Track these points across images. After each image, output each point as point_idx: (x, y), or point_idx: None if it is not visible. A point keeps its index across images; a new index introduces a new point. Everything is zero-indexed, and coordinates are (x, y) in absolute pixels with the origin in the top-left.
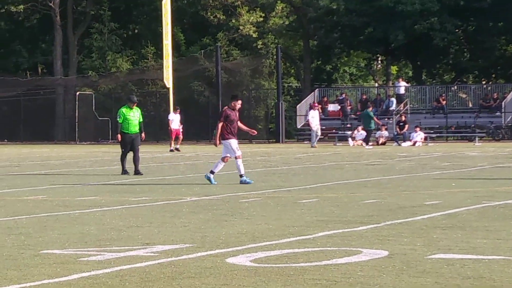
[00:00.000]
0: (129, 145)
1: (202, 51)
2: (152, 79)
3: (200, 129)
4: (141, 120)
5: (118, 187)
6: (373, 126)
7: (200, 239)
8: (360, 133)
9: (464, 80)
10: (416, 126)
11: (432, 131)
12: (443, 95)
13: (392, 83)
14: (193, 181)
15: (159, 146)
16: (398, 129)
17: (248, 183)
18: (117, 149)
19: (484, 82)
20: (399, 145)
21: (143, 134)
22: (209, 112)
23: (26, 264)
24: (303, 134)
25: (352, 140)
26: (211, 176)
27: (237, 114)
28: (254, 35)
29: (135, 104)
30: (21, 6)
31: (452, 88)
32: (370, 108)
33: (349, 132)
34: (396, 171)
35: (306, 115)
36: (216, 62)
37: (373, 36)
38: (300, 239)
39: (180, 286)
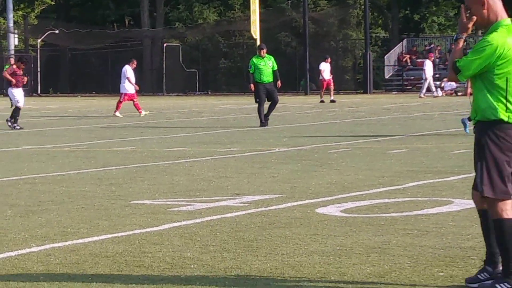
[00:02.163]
0: (264, 95)
1: (289, 1)
2: (239, 30)
3: (287, 80)
4: (275, 68)
5: (206, 138)
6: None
7: (289, 190)
8: (449, 83)
9: None
10: None
11: None
12: None
13: (482, 32)
14: (281, 132)
15: (246, 97)
16: None
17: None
18: (204, 101)
19: None
20: None
21: (278, 82)
22: (296, 63)
23: (117, 214)
24: (391, 85)
25: (441, 90)
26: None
27: None
28: None
29: (265, 52)
30: None
31: None
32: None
33: (438, 82)
34: None
35: (395, 65)
36: (303, 12)
37: None
38: (390, 189)
39: (271, 236)
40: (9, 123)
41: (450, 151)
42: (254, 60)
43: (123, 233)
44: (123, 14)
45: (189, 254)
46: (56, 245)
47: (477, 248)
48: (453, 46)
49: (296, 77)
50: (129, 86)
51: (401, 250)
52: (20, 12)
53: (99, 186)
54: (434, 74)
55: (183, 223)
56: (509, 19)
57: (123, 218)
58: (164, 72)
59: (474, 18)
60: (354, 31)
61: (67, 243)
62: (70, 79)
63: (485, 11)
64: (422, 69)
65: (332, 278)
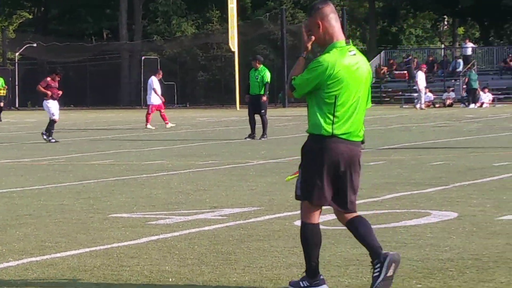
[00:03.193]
0: (250, 106)
1: (267, 14)
2: (217, 43)
3: None
4: (265, 80)
5: (184, 151)
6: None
7: (267, 202)
8: (427, 95)
9: None
10: (484, 88)
11: (499, 92)
12: (511, 55)
13: (459, 44)
14: (259, 145)
15: (224, 110)
16: (465, 91)
17: None
18: (183, 114)
19: None
20: (467, 106)
21: (264, 97)
22: (274, 75)
23: (95, 228)
24: None
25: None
26: None
27: None
28: None
29: (256, 63)
30: None
31: None
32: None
33: (416, 94)
34: (463, 132)
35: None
36: (281, 25)
37: None
38: (368, 201)
39: (249, 249)
40: (44, 136)
41: (428, 163)
42: (251, 71)
43: (101, 247)
44: (101, 27)
45: (167, 267)
46: (33, 259)
47: (455, 259)
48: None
49: (274, 90)
50: (155, 98)
51: None
52: None
53: (77, 200)
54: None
55: (161, 236)
56: (343, 41)
57: (101, 231)
58: (142, 85)
59: (313, 38)
60: None
61: (44, 257)
62: None
63: (321, 32)
64: (415, 81)
65: None
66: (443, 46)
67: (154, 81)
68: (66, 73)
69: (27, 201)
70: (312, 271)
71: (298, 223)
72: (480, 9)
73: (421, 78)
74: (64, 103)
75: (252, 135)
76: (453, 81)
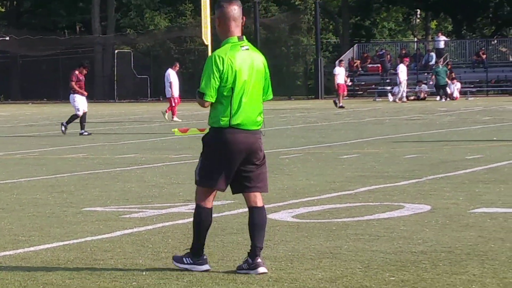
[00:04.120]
0: None
1: None
2: (191, 37)
3: None
4: None
5: (158, 144)
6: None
7: (241, 196)
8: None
9: (504, 33)
10: (453, 78)
11: (472, 86)
12: (483, 49)
13: (432, 38)
14: None
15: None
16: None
17: None
18: (156, 107)
19: None
20: (441, 100)
21: None
22: None
23: (69, 221)
24: None
25: (392, 95)
26: None
27: None
28: None
29: None
30: None
31: (492, 42)
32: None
33: (389, 87)
34: (436, 125)
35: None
36: (254, 18)
37: None
38: (341, 194)
39: (223, 242)
40: (82, 131)
41: (401, 156)
42: None
43: (74, 241)
44: (74, 20)
45: (141, 261)
46: (7, 253)
47: (428, 252)
48: None
49: None
50: (175, 89)
51: (353, 255)
52: None
53: (50, 194)
54: (385, 79)
55: (135, 230)
56: (237, 37)
57: (75, 225)
58: (115, 79)
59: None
60: (305, 37)
61: (18, 251)
62: (21, 86)
63: (219, 28)
64: (396, 74)
65: (284, 283)
66: (416, 39)
67: (171, 74)
68: (39, 66)
69: (0, 195)
70: (197, 251)
71: (272, 216)
72: (453, 3)
73: (402, 70)
74: (37, 96)
75: None
76: (426, 74)
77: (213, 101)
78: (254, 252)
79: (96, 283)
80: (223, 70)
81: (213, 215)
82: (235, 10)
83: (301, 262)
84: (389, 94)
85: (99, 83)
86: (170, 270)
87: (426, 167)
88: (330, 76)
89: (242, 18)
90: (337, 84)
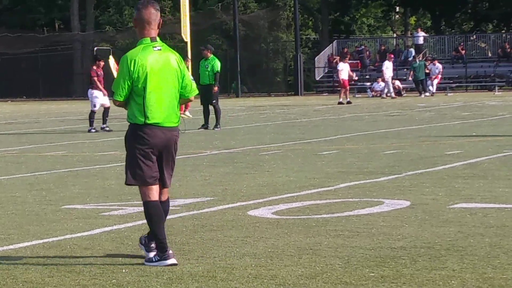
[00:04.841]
0: (201, 96)
1: (220, 4)
2: (170, 33)
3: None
4: (216, 70)
5: None
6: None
7: (221, 192)
8: (379, 84)
9: (483, 29)
10: (433, 59)
11: (451, 81)
12: (462, 44)
13: (411, 34)
14: (212, 135)
15: None
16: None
17: None
18: None
19: (503, 31)
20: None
21: (215, 87)
22: (227, 65)
23: (48, 219)
24: (321, 86)
25: (371, 91)
26: None
27: None
28: None
29: (206, 53)
30: None
31: (471, 38)
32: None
33: (368, 83)
34: (416, 121)
35: (325, 67)
36: (233, 15)
37: None
38: (321, 190)
39: (203, 239)
40: (103, 126)
41: (381, 151)
42: (200, 61)
43: (54, 238)
44: (53, 18)
45: (120, 258)
46: None
47: (408, 248)
48: None
49: (227, 80)
50: None
51: (332, 251)
52: None
53: (30, 191)
54: (365, 75)
55: (115, 227)
56: (150, 38)
57: (54, 223)
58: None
59: None
60: (285, 33)
61: None
62: (0, 84)
63: (136, 29)
64: (381, 70)
65: (264, 280)
66: (395, 35)
67: None
68: (18, 64)
69: None
70: (161, 247)
71: (251, 212)
72: None
73: (388, 67)
74: (16, 94)
75: (205, 126)
76: (405, 70)
77: (122, 100)
78: (161, 247)
79: (75, 281)
80: (133, 71)
81: (193, 212)
82: (151, 13)
83: (281, 259)
84: (368, 90)
85: (78, 81)
86: (150, 267)
87: (405, 163)
88: (310, 72)
89: (160, 20)
90: (342, 79)
